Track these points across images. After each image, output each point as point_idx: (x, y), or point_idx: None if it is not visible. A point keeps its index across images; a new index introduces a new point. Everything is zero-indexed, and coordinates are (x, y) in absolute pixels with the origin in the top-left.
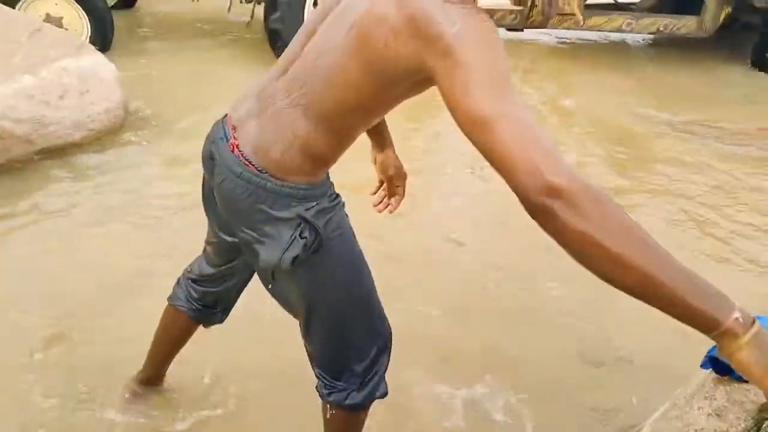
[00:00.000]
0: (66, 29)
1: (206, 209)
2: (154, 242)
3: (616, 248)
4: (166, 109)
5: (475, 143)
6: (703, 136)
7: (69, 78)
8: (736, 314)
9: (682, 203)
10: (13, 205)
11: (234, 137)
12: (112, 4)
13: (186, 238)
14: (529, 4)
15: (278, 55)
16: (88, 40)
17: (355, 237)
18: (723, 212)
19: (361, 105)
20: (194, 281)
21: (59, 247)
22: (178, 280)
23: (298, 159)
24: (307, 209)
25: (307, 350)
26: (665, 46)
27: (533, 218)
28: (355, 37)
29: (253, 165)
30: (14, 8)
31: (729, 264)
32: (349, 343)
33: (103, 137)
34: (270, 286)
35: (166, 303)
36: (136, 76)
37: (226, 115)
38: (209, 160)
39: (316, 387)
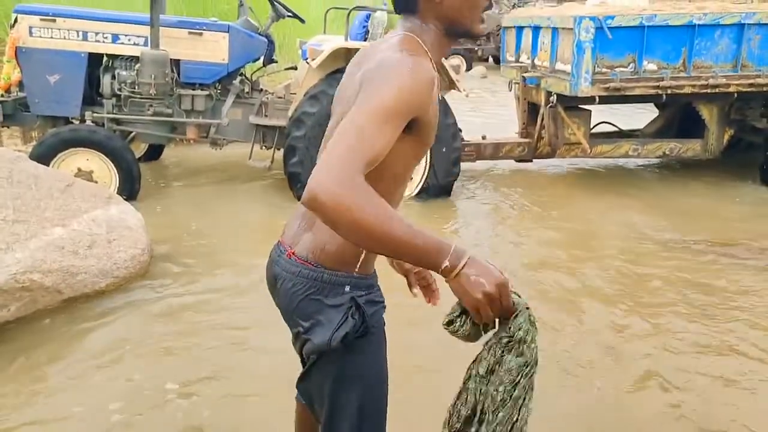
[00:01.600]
0: (96, 182)
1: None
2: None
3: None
4: (191, 252)
5: None
6: (725, 255)
7: (98, 228)
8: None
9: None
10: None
11: (289, 248)
12: (139, 156)
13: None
14: (536, 136)
15: (297, 197)
16: (116, 190)
17: (386, 346)
18: None
19: (381, 174)
20: None
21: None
22: None
23: (348, 248)
24: (359, 295)
25: None
26: (673, 166)
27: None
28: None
29: (309, 263)
30: (48, 165)
31: None
32: None
33: (128, 284)
34: (302, 384)
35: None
36: (162, 222)
37: (279, 241)
38: (272, 279)
39: None
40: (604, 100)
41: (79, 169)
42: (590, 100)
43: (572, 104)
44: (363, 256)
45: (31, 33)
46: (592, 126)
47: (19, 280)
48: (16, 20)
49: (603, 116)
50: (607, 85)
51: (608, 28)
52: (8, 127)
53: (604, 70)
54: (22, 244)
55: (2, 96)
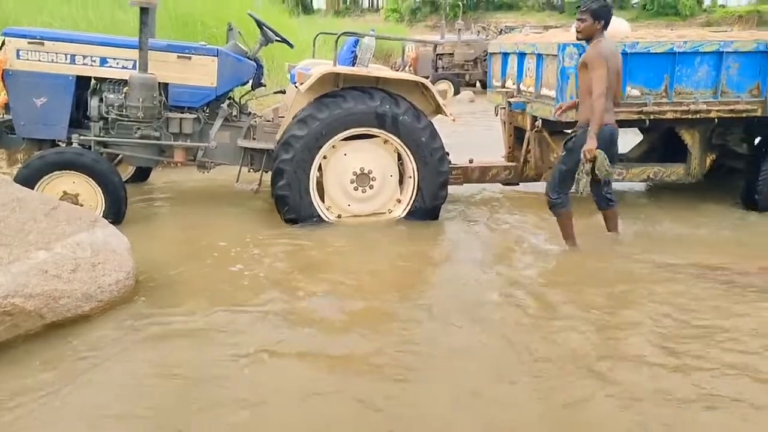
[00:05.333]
0: (81, 205)
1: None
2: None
3: None
4: (177, 276)
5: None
6: (702, 278)
7: (82, 251)
8: None
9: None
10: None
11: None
12: (126, 179)
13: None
14: (522, 160)
15: (285, 219)
16: (102, 214)
17: None
18: None
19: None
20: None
21: None
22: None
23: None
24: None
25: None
26: (656, 190)
27: None
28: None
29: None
30: (33, 188)
31: None
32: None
33: (113, 308)
34: (565, 159)
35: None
36: (148, 246)
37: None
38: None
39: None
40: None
41: (65, 192)
42: (575, 124)
43: (557, 129)
44: None
45: (18, 56)
46: None
47: (0, 304)
48: (3, 43)
49: None
50: None
51: None
52: None
53: None
54: (4, 267)
55: None
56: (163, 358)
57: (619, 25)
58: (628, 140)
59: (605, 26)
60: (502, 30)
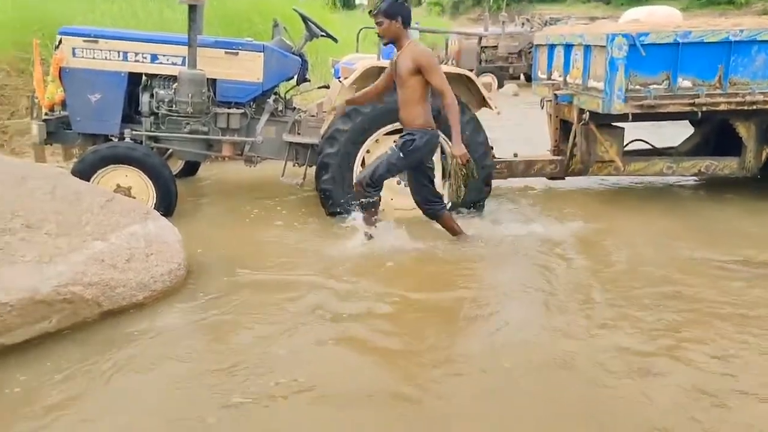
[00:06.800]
0: (134, 197)
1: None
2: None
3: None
4: (225, 267)
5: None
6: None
7: (136, 242)
8: None
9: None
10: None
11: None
12: (176, 172)
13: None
14: (568, 153)
15: (329, 213)
16: (153, 206)
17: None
18: None
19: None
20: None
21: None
22: None
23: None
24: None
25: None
26: (710, 184)
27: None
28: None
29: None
30: (88, 181)
31: None
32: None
33: (165, 297)
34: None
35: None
36: (197, 237)
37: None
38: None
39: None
40: (638, 117)
41: (118, 185)
42: (623, 117)
43: (605, 122)
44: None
45: (74, 54)
46: (625, 144)
47: (60, 292)
48: (60, 42)
49: (643, 133)
50: (640, 103)
51: (642, 45)
52: (51, 145)
53: (637, 87)
54: (64, 257)
55: (46, 114)
56: (214, 346)
57: (671, 14)
58: (678, 133)
59: (405, 22)
60: (546, 22)
